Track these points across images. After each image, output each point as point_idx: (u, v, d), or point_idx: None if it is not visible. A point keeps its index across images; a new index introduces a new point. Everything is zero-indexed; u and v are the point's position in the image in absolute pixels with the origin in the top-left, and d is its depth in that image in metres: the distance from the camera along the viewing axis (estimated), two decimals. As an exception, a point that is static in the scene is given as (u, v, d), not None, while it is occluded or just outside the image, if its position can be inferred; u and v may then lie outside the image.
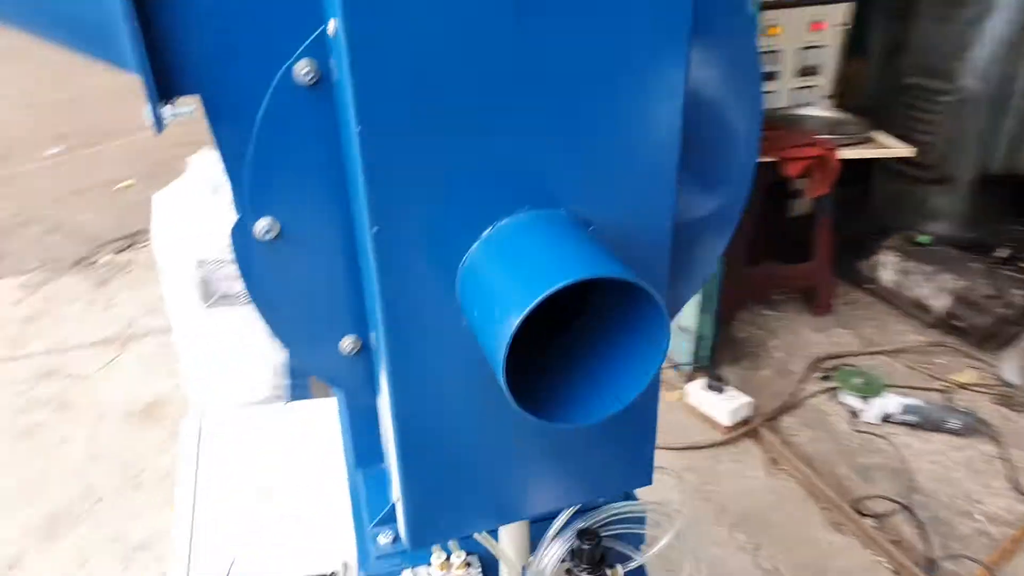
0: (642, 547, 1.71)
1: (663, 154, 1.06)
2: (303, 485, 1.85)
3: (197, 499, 1.81)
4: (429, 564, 1.55)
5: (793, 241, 4.61)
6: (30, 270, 4.99)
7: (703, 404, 3.56)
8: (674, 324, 3.98)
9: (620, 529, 1.64)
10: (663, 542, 1.63)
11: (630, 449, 1.32)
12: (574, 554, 1.58)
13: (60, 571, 2.84)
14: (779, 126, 4.08)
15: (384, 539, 1.63)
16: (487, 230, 1.05)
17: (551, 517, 1.53)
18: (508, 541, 1.52)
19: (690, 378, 3.80)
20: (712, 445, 3.44)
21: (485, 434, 1.19)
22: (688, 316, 3.82)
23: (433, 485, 1.21)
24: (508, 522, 1.31)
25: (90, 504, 3.14)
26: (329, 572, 1.67)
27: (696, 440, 3.46)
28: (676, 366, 3.97)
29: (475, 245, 1.05)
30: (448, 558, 1.56)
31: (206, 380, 3.07)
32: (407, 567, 1.56)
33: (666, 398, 3.76)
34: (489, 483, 1.25)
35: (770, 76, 4.60)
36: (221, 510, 1.77)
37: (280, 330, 1.30)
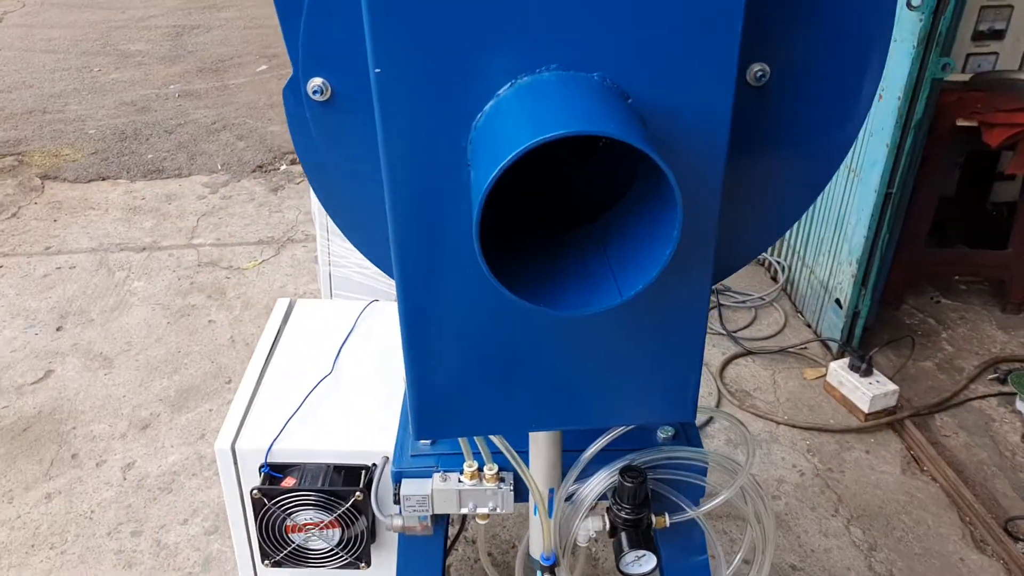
0: (701, 500, 1.54)
1: (725, 16, 0.88)
2: (371, 378, 1.84)
3: (267, 372, 1.85)
4: (461, 472, 1.49)
5: (990, 226, 4.04)
6: (216, 171, 5.41)
7: (844, 385, 3.22)
8: (827, 295, 3.63)
9: (674, 475, 1.48)
10: (719, 499, 1.46)
11: (668, 376, 1.17)
12: (616, 492, 1.45)
13: (182, 440, 3.08)
14: (988, 89, 3.52)
15: (424, 440, 1.58)
16: (504, 87, 0.92)
17: (586, 444, 1.40)
18: (538, 462, 1.41)
19: (837, 357, 3.45)
20: (845, 430, 3.10)
21: (497, 326, 1.09)
22: (843, 287, 3.45)
23: (439, 377, 1.13)
24: (524, 430, 1.20)
25: (220, 384, 3.37)
26: (370, 463, 1.64)
27: (827, 422, 3.14)
28: (822, 340, 3.62)
29: (489, 104, 0.93)
30: (480, 469, 1.48)
31: (335, 284, 3.17)
32: (440, 471, 1.50)
33: (806, 374, 3.44)
34: (501, 383, 1.14)
35: (996, 34, 3.98)
36: (285, 387, 1.80)
37: (328, 200, 1.25)
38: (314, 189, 1.26)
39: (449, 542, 2.38)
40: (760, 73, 1.09)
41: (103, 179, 5.28)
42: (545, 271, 0.98)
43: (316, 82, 1.09)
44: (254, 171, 5.41)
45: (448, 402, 1.15)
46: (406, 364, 1.12)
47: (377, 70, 0.91)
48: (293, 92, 1.13)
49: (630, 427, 1.37)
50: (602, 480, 1.43)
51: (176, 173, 5.37)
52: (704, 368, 3.47)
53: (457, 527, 2.34)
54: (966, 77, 3.69)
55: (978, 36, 3.99)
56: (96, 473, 2.92)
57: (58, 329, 3.74)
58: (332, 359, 1.86)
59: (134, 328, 3.75)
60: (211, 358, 3.54)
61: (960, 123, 3.37)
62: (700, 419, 3.10)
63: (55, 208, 4.91)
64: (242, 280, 4.13)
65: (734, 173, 1.05)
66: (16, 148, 5.70)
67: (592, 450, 1.36)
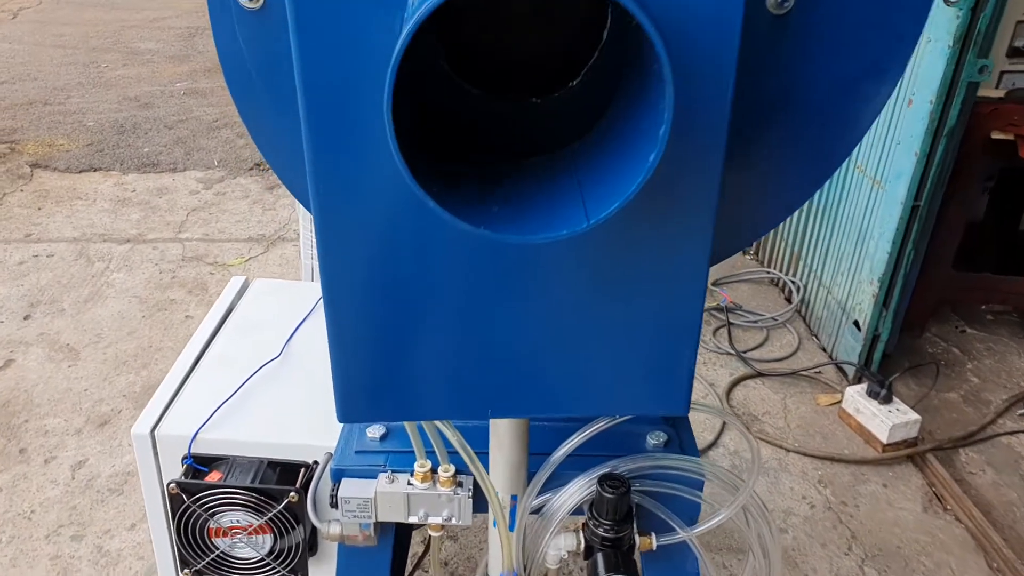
0: (696, 520, 1.29)
1: None
2: (324, 365, 1.60)
3: (207, 354, 1.62)
4: (412, 473, 1.25)
5: (1020, 253, 3.79)
6: (213, 167, 5.23)
7: (861, 412, 2.96)
8: (845, 316, 3.38)
9: (664, 487, 1.24)
10: (717, 518, 1.21)
11: (658, 357, 0.93)
12: (593, 505, 1.21)
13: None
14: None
15: (373, 433, 1.34)
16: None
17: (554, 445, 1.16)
18: (498, 462, 1.17)
19: (854, 383, 3.19)
20: (861, 462, 2.84)
21: (440, 271, 0.86)
22: (863, 307, 3.20)
23: (367, 343, 0.90)
24: (479, 416, 0.96)
25: (189, 379, 3.15)
26: (311, 461, 1.41)
27: (841, 451, 2.87)
28: (838, 363, 3.36)
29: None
30: (434, 470, 1.24)
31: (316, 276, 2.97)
32: (387, 471, 1.27)
33: (819, 400, 3.18)
34: (447, 352, 0.91)
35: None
36: (224, 370, 1.57)
37: (258, 131, 1.05)
38: (242, 115, 1.05)
39: (410, 565, 2.12)
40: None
41: (95, 170, 5.11)
42: (495, 196, 0.76)
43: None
44: (251, 169, 5.23)
45: (379, 374, 0.92)
46: (327, 321, 0.89)
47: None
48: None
49: (610, 422, 1.14)
50: (578, 490, 1.19)
51: (171, 168, 5.20)
52: (710, 388, 3.22)
53: (423, 547, 2.09)
54: (1001, 93, 3.46)
55: (1014, 53, 3.76)
56: (43, 470, 2.69)
57: (25, 318, 3.54)
58: (283, 343, 1.63)
59: (106, 320, 3.54)
60: (183, 354, 3.32)
61: (995, 136, 3.13)
62: (707, 439, 2.85)
63: (41, 196, 4.73)
64: (226, 276, 3.92)
65: (739, 126, 0.85)
66: (10, 137, 5.56)
67: (564, 449, 1.13)
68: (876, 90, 0.99)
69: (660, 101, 0.64)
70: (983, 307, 3.86)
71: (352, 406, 0.94)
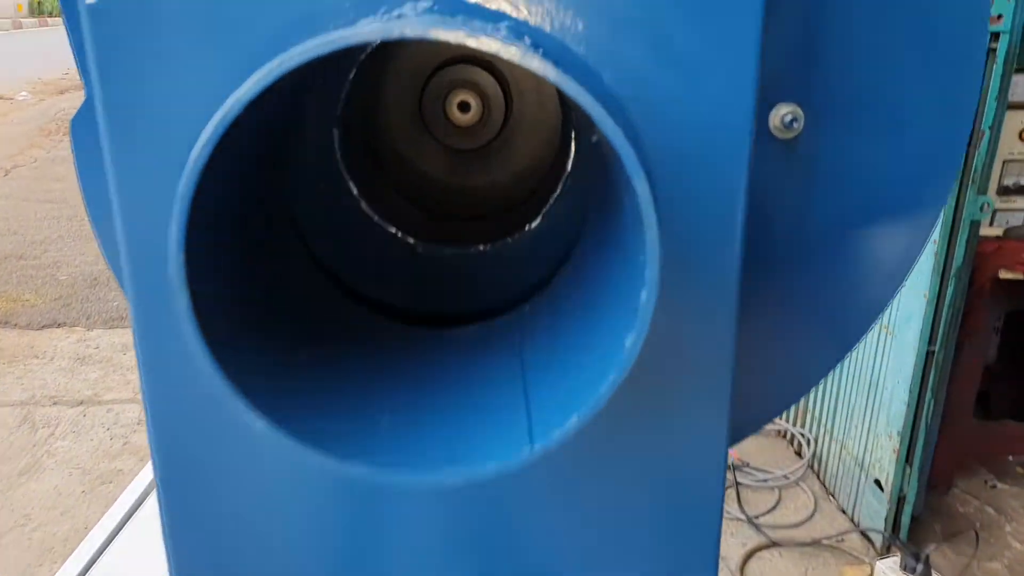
0: None
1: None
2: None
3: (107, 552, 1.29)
4: None
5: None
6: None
7: (895, 591, 2.57)
8: (864, 474, 3.05)
9: None
10: None
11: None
12: None
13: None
14: (1032, 240, 3.13)
15: None
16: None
17: None
18: None
19: (883, 553, 2.82)
20: (903, 653, 2.43)
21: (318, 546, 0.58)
22: (883, 464, 2.88)
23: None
24: None
25: None
26: None
27: (879, 641, 2.46)
28: (864, 531, 2.99)
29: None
30: None
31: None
32: None
33: (846, 574, 2.79)
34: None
35: (1021, 189, 3.65)
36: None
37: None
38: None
39: None
40: (789, 119, 0.69)
41: (58, 326, 4.86)
42: (387, 397, 0.49)
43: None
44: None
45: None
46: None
47: None
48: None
49: None
50: None
51: (140, 322, 4.96)
52: (722, 563, 2.84)
53: None
54: (999, 231, 3.32)
55: (1004, 191, 3.65)
56: None
57: (-51, 496, 3.17)
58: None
59: (39, 498, 3.16)
60: None
61: (1003, 275, 2.94)
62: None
63: (-5, 357, 4.46)
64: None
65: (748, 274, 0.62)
66: (-24, 294, 5.36)
67: None
68: (904, 231, 0.77)
69: (639, 252, 0.39)
70: (1010, 458, 3.54)
71: None
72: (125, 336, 4.76)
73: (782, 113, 0.71)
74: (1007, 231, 3.25)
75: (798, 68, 0.73)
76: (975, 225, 2.62)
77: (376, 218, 0.74)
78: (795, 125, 0.71)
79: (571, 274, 0.58)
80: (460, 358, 0.55)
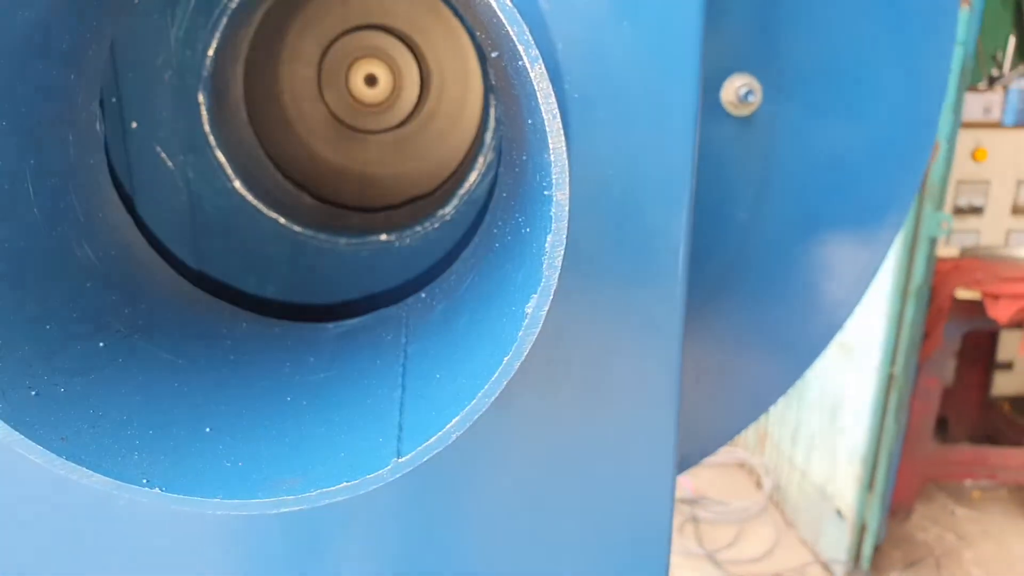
0: None
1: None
2: None
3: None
4: None
5: (995, 422, 3.49)
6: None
7: (861, 627, 2.45)
8: (826, 502, 2.95)
9: None
10: None
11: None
12: None
13: None
14: (985, 260, 3.10)
15: None
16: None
17: None
18: None
19: (845, 585, 2.71)
20: None
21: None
22: (845, 495, 2.77)
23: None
24: None
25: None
26: None
27: None
28: (824, 562, 2.88)
29: None
30: None
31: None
32: None
33: (808, 609, 2.67)
34: None
35: (975, 210, 3.65)
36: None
37: None
38: None
39: None
40: (745, 91, 0.58)
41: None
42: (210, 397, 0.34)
43: None
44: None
45: None
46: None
47: None
48: None
49: None
50: None
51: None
52: (678, 601, 2.70)
53: None
54: (955, 251, 3.30)
55: (958, 211, 3.66)
56: None
57: None
58: None
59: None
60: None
61: (961, 295, 2.89)
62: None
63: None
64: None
65: (697, 279, 0.51)
66: None
67: None
68: (871, 233, 0.67)
69: (546, 185, 0.25)
70: (968, 482, 3.48)
71: None
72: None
73: (736, 85, 0.59)
74: (963, 251, 3.23)
75: (756, 34, 0.61)
76: (933, 242, 2.56)
77: (251, 199, 0.58)
78: (751, 99, 0.59)
79: (473, 250, 0.43)
80: (329, 357, 0.40)
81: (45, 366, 0.30)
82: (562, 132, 0.26)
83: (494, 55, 0.33)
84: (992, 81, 3.41)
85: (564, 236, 0.26)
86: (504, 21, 0.26)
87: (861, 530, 2.77)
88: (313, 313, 0.52)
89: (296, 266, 0.54)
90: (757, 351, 0.70)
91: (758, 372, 0.73)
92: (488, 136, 0.56)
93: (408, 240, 0.58)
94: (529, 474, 0.47)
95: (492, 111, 0.57)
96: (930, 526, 3.20)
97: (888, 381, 2.63)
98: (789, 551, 2.99)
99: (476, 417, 0.28)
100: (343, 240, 0.57)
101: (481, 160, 0.57)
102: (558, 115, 0.26)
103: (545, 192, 0.26)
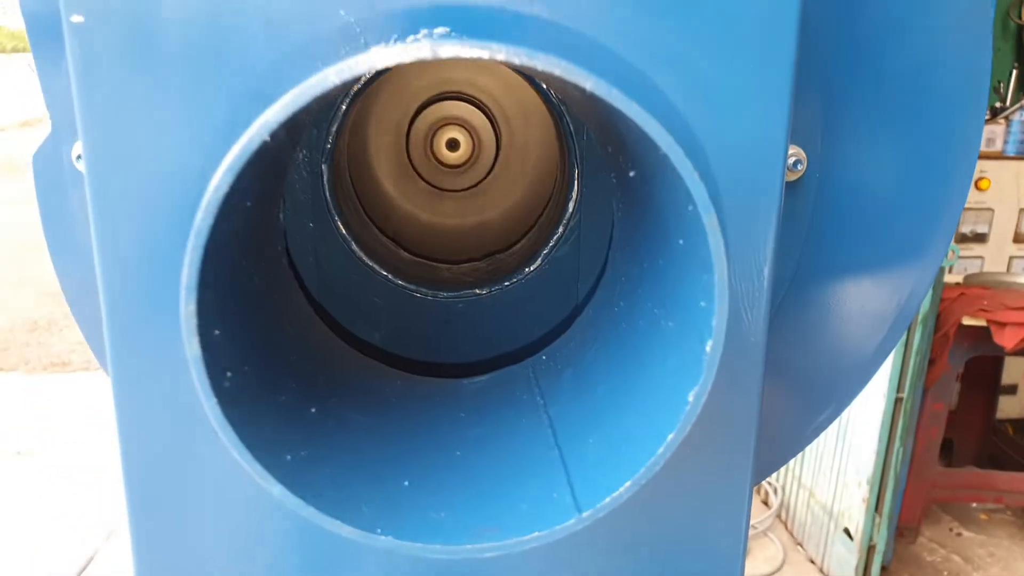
0: None
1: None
2: None
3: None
4: None
5: (999, 445, 3.55)
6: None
7: (870, 646, 2.51)
8: (833, 523, 3.01)
9: None
10: None
11: None
12: None
13: None
14: (990, 287, 3.17)
15: None
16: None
17: None
18: None
19: (853, 605, 2.76)
20: None
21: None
22: (854, 516, 2.84)
23: None
24: None
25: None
26: None
27: None
28: (833, 584, 2.93)
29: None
30: None
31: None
32: None
33: (816, 628, 2.73)
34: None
35: (979, 237, 3.72)
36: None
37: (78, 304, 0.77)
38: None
39: None
40: (793, 160, 0.65)
41: (-3, 370, 4.63)
42: (404, 461, 0.42)
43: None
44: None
45: None
46: None
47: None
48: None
49: None
50: None
51: (84, 367, 4.75)
52: (690, 618, 2.74)
53: None
54: (958, 278, 3.37)
55: (961, 239, 3.73)
56: None
57: None
58: None
59: None
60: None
61: (967, 321, 2.96)
62: None
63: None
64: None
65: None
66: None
67: None
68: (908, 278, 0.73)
69: (701, 296, 0.33)
70: (974, 505, 3.53)
71: None
72: (67, 381, 4.55)
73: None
74: (966, 278, 3.30)
75: (801, 109, 0.68)
76: (941, 270, 2.64)
77: (366, 259, 0.67)
78: (799, 167, 0.67)
79: (592, 321, 0.51)
80: (477, 413, 0.48)
81: (293, 434, 0.37)
82: (726, 270, 0.33)
83: (631, 174, 0.40)
84: (995, 112, 3.49)
85: (722, 344, 0.33)
86: (681, 176, 0.32)
87: (869, 550, 2.83)
88: (448, 370, 0.59)
89: (407, 320, 0.62)
90: (794, 396, 0.76)
91: (792, 415, 0.79)
92: (571, 206, 0.65)
93: (496, 292, 0.66)
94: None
95: (576, 183, 0.65)
96: (937, 548, 3.26)
97: (895, 405, 2.70)
98: (797, 570, 3.05)
99: (644, 482, 0.35)
100: (442, 294, 0.65)
101: (562, 229, 0.65)
102: (724, 260, 0.32)
103: (702, 304, 0.33)
